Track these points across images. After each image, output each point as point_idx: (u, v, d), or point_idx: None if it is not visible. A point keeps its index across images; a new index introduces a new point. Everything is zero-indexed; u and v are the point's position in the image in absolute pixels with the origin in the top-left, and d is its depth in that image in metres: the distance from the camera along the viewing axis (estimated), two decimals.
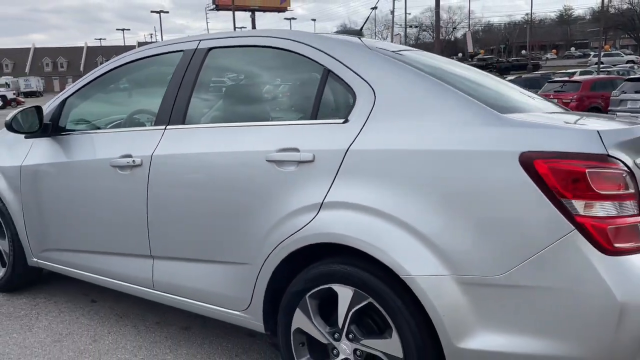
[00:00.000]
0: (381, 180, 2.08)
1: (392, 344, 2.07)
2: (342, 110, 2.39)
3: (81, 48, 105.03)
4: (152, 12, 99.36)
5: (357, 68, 2.35)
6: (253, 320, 2.55)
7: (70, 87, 3.53)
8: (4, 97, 44.39)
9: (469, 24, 78.48)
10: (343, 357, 2.24)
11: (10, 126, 3.32)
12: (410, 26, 73.25)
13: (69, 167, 3.20)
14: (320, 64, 2.46)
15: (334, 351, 2.27)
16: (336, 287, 2.19)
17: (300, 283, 2.31)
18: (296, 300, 2.33)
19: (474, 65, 5.45)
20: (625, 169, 1.82)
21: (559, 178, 1.78)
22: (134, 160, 2.86)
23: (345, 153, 2.19)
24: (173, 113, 2.85)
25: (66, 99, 3.47)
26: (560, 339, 1.82)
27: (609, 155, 1.81)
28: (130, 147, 2.92)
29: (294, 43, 2.59)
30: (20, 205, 3.50)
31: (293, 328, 2.37)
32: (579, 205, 1.77)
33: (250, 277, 2.47)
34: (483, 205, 1.90)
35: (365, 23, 3.73)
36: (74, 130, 3.39)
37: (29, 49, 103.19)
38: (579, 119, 2.22)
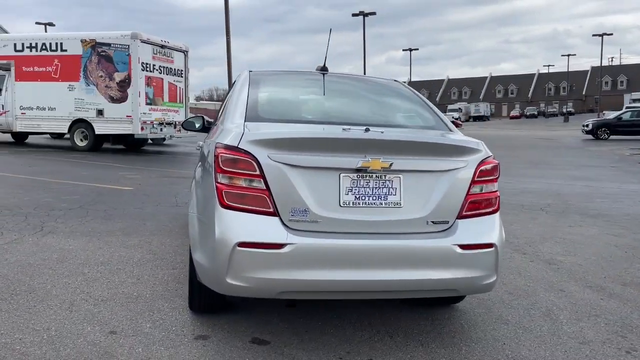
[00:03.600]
0: None
1: None
2: None
3: (532, 75, 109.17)
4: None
5: None
6: None
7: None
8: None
9: None
10: None
11: (184, 126, 5.04)
12: None
13: None
14: None
15: None
16: None
17: None
18: None
19: None
20: (246, 157, 2.74)
21: (216, 158, 2.86)
22: None
23: None
24: None
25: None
26: (202, 252, 2.94)
27: (237, 147, 2.78)
28: None
29: None
30: None
31: None
32: (217, 175, 2.82)
33: None
34: (206, 167, 3.12)
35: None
36: None
37: (485, 77, 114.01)
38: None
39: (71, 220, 6.32)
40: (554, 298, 4.11)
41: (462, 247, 2.89)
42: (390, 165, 2.83)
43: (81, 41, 15.36)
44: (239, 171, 2.78)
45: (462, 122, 64.35)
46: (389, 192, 2.88)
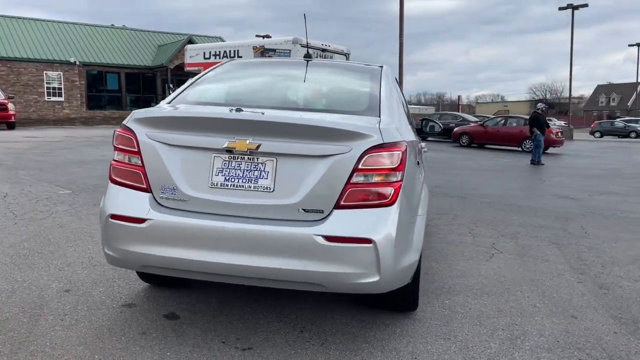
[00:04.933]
0: None
1: None
2: None
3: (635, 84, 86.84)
4: None
5: None
6: None
7: None
8: None
9: None
10: None
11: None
12: None
13: None
14: None
15: None
16: None
17: None
18: None
19: None
20: (129, 134, 2.87)
21: (113, 136, 3.05)
22: None
23: None
24: None
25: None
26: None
27: (125, 125, 2.92)
28: None
29: None
30: None
31: None
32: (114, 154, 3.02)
33: None
34: None
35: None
36: None
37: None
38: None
39: None
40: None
41: (329, 238, 2.63)
42: (258, 146, 2.72)
43: (253, 48, 16.92)
44: (123, 147, 2.95)
45: None
46: (260, 176, 2.77)
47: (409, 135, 3.34)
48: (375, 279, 2.69)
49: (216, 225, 2.72)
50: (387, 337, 3.15)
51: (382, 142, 2.74)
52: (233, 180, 2.78)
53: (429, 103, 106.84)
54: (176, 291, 3.71)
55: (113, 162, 2.99)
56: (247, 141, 2.73)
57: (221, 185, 2.79)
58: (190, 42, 32.55)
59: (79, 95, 34.23)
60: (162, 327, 3.15)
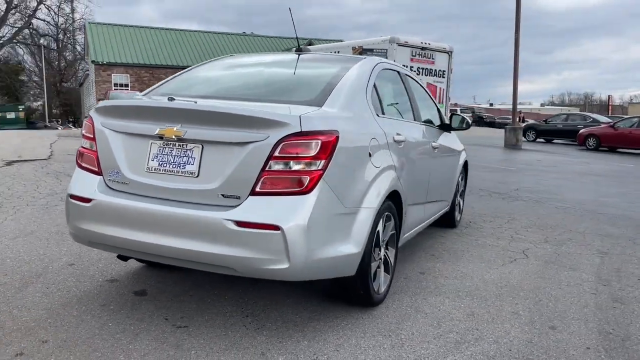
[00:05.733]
0: None
1: None
2: None
3: None
4: None
5: None
6: None
7: None
8: None
9: None
10: None
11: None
12: None
13: None
14: None
15: None
16: None
17: None
18: None
19: None
20: (90, 122, 3.18)
21: (83, 125, 3.35)
22: None
23: None
24: None
25: None
26: None
27: (89, 115, 3.22)
28: None
29: None
30: None
31: None
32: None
33: None
34: None
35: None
36: None
37: None
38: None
39: None
40: None
41: (239, 224, 2.70)
42: (184, 133, 2.87)
43: (352, 48, 17.04)
44: (85, 134, 3.26)
45: None
46: (187, 162, 2.91)
47: (362, 126, 3.28)
48: (285, 266, 2.70)
49: (146, 207, 2.91)
50: (327, 328, 3.11)
51: (299, 130, 2.75)
52: (165, 165, 2.96)
53: (574, 104, 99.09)
54: (161, 272, 3.97)
55: (80, 148, 3.32)
56: (175, 128, 2.89)
57: (155, 169, 2.98)
58: (310, 45, 33.60)
59: None
60: (125, 301, 3.42)
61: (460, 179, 5.96)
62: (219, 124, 2.84)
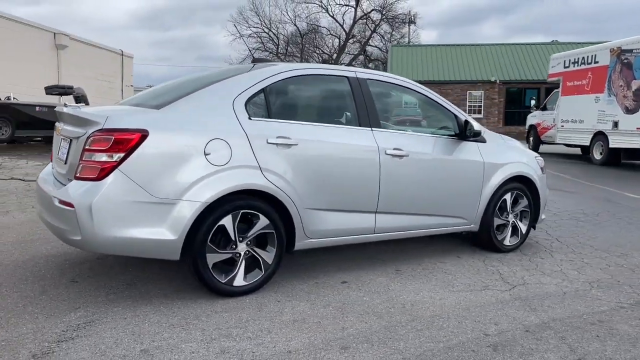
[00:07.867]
0: None
1: None
2: None
3: None
4: None
5: None
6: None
7: None
8: None
9: None
10: None
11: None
12: None
13: None
14: None
15: None
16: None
17: None
18: None
19: None
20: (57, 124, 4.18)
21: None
22: None
23: None
24: None
25: None
26: None
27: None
28: None
29: None
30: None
31: None
32: None
33: None
34: None
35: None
36: None
37: None
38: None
39: None
40: None
41: (60, 201, 3.32)
42: (61, 130, 3.65)
43: (610, 50, 14.64)
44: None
45: None
46: (65, 152, 3.67)
47: (199, 128, 3.49)
48: (78, 237, 3.24)
49: (43, 188, 3.76)
50: (180, 310, 3.40)
51: (102, 127, 3.25)
52: (60, 155, 3.78)
53: None
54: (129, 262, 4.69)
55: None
56: (60, 127, 3.71)
57: (57, 158, 3.83)
58: None
59: (496, 112, 35.95)
60: (60, 287, 3.81)
61: (503, 196, 4.99)
62: (72, 123, 3.58)
